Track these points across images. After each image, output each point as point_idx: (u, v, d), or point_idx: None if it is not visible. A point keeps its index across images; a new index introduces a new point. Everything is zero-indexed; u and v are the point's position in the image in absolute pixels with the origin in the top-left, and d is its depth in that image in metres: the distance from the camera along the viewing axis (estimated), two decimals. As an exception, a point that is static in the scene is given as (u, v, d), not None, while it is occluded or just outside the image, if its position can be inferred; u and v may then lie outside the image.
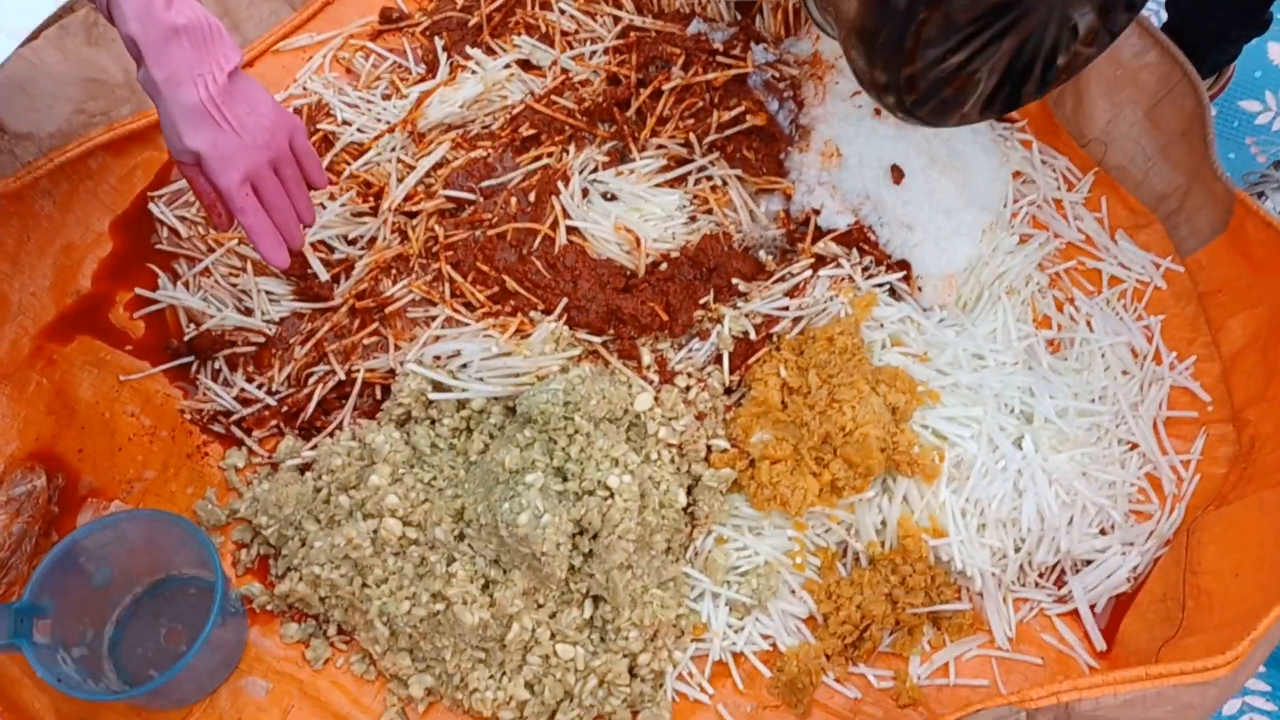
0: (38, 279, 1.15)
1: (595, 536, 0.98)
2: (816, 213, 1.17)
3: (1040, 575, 1.10)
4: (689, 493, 1.05)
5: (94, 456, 1.09)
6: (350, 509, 1.01)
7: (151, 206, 1.22)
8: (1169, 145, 1.27)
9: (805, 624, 1.05)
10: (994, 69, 0.97)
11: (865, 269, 1.14)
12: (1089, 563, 1.11)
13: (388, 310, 1.13)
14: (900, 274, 1.15)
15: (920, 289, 1.17)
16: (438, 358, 1.08)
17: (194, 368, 1.15)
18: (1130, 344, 1.22)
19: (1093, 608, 1.10)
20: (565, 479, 0.98)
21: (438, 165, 1.20)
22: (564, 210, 1.13)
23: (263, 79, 1.32)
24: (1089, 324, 1.23)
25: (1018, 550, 1.06)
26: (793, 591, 1.05)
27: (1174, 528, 1.12)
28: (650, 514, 0.99)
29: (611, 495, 0.97)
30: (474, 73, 1.25)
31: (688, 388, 1.07)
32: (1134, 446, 1.17)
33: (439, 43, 1.30)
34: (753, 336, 1.08)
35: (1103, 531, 1.12)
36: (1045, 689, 0.88)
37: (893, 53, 0.92)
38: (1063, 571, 1.11)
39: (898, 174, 1.15)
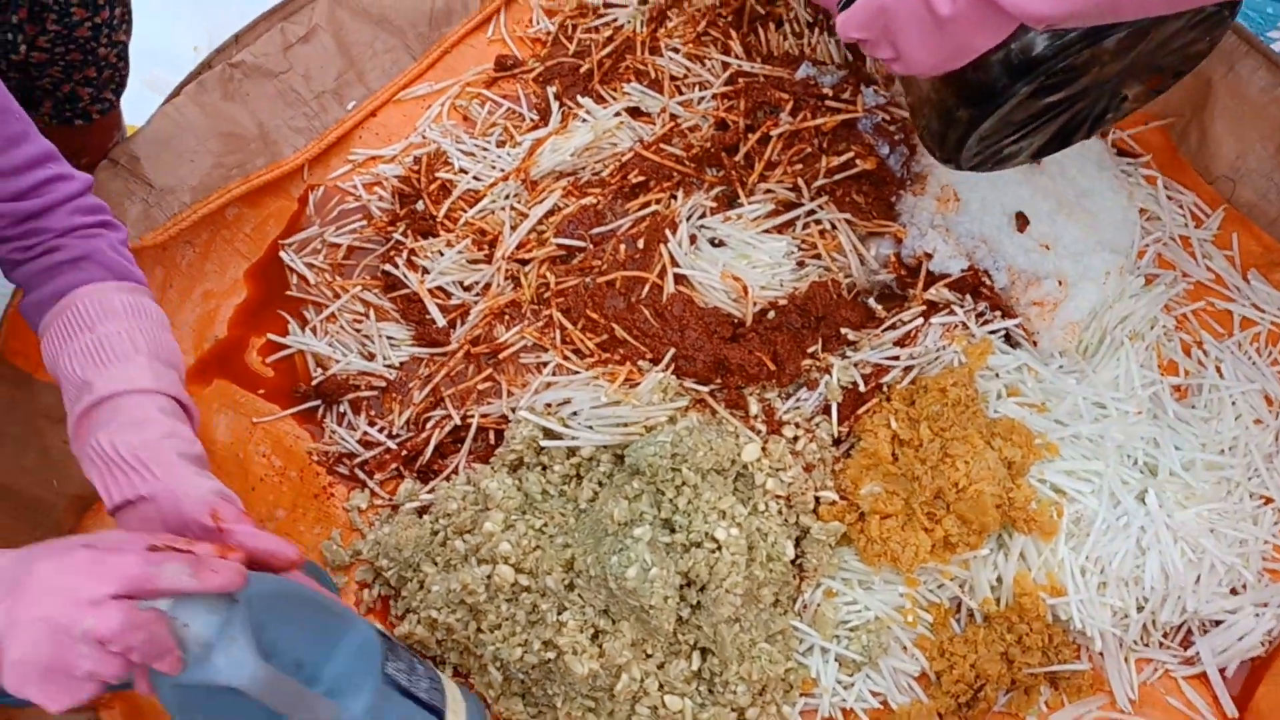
0: (180, 325, 1.22)
1: (703, 589, 0.99)
2: (929, 256, 1.15)
3: (1165, 635, 1.06)
4: (797, 545, 1.05)
5: (229, 495, 1.16)
6: (465, 553, 1.04)
7: (282, 254, 1.28)
8: (1305, 181, 1.21)
9: (917, 682, 1.03)
10: (1044, 135, 1.02)
11: (980, 315, 1.12)
12: (1218, 623, 1.06)
13: (501, 356, 1.16)
14: (1017, 320, 1.12)
15: (1038, 336, 1.14)
16: (549, 405, 1.10)
17: (320, 411, 1.20)
18: (1264, 390, 1.17)
19: (1223, 671, 1.05)
20: (673, 530, 0.99)
21: (549, 213, 1.23)
22: (672, 258, 1.14)
23: (385, 128, 1.38)
24: (1218, 369, 1.18)
25: (1140, 610, 1.03)
26: (904, 648, 1.04)
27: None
28: (758, 567, 0.99)
29: (719, 548, 0.97)
30: (585, 121, 1.27)
31: (795, 438, 1.07)
32: (1268, 501, 1.11)
33: (550, 91, 1.33)
34: (862, 387, 1.07)
35: (1233, 591, 1.07)
36: None
37: (954, 149, 0.99)
38: (1189, 632, 1.07)
39: (1023, 221, 1.12)
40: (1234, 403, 1.15)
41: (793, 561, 1.03)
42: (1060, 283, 1.13)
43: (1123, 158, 1.28)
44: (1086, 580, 1.02)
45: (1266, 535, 1.08)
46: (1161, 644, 1.05)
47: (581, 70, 1.35)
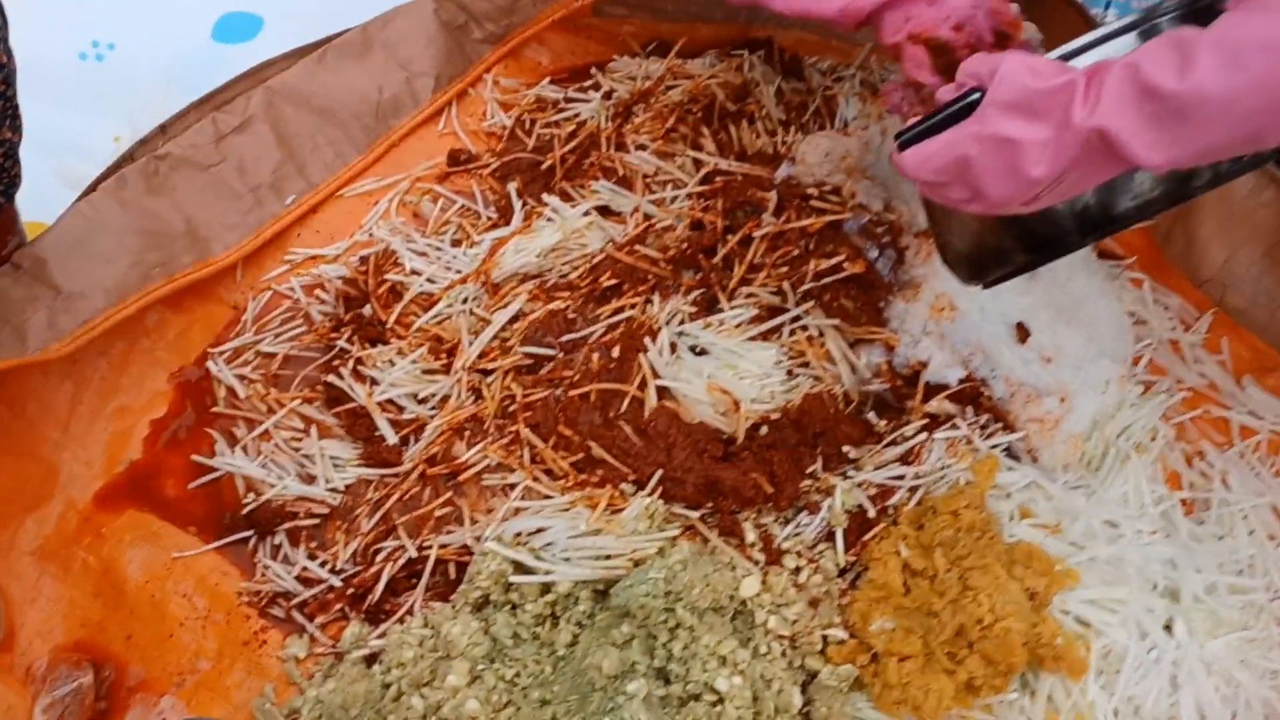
0: (90, 446, 1.08)
1: (704, 749, 0.86)
2: (924, 365, 1.08)
3: (1200, 779, 0.97)
4: (803, 691, 0.93)
5: (143, 644, 1.00)
6: (424, 713, 0.90)
7: (210, 365, 1.15)
8: (1294, 285, 1.18)
9: (943, 846, 0.92)
10: None
11: (984, 428, 1.04)
12: (1255, 762, 0.98)
13: (462, 478, 1.04)
14: (1021, 434, 1.05)
15: (1039, 452, 1.06)
16: (519, 534, 0.98)
17: (252, 544, 1.06)
18: (1274, 505, 1.11)
19: (1261, 817, 0.96)
20: (668, 681, 0.87)
21: (514, 318, 1.12)
22: (653, 369, 1.04)
23: (327, 225, 1.27)
24: (1224, 482, 1.12)
25: None
26: (927, 807, 0.92)
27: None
28: (764, 720, 0.87)
29: (720, 700, 0.86)
30: (551, 220, 1.18)
31: (798, 569, 0.96)
32: (1290, 624, 1.04)
33: (512, 187, 1.24)
34: (870, 511, 0.98)
35: (1266, 726, 0.99)
36: None
37: (989, 280, 0.94)
38: (1223, 774, 0.98)
39: (1023, 333, 1.06)
40: (1245, 517, 1.09)
41: (799, 712, 0.92)
42: (1063, 399, 1.06)
43: (1106, 260, 1.24)
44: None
45: (1295, 664, 1.01)
46: (1196, 788, 0.96)
47: (543, 167, 1.27)
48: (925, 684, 0.89)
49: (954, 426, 1.04)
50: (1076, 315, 1.10)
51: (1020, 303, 1.08)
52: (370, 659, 0.98)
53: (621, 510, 0.96)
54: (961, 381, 1.06)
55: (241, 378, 1.14)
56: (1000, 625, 0.88)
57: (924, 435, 1.02)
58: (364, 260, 1.21)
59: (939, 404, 1.04)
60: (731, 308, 1.11)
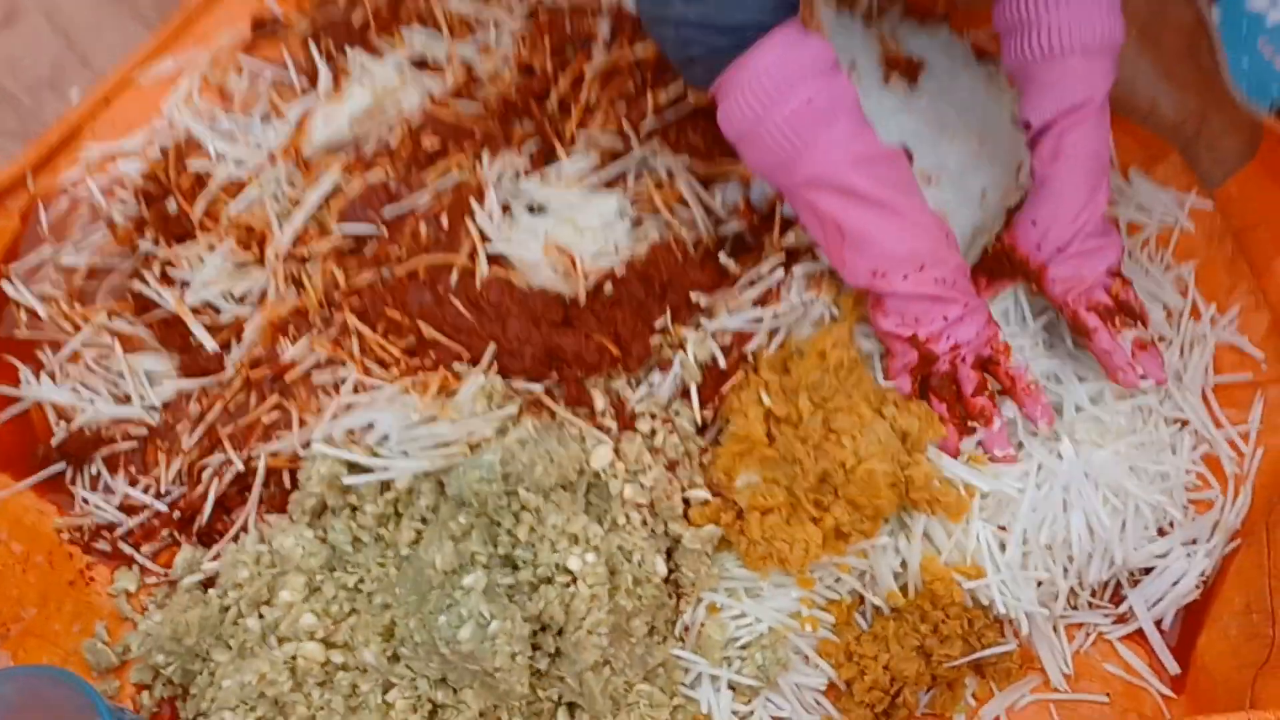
0: None
1: (560, 633, 0.80)
2: (782, 199, 0.98)
3: (1094, 594, 0.93)
4: (668, 558, 0.87)
5: (-41, 598, 0.91)
6: (262, 633, 0.83)
7: (5, 285, 1.03)
8: (1173, 66, 1.09)
9: (826, 696, 0.88)
10: None
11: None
12: (1149, 571, 0.94)
13: (288, 378, 0.95)
14: (889, 259, 0.97)
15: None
16: (351, 432, 0.90)
17: (68, 476, 0.96)
18: (1163, 302, 1.05)
19: (1159, 624, 0.93)
20: (515, 568, 0.81)
21: (329, 196, 1.01)
22: (482, 234, 0.94)
23: (123, 117, 1.13)
24: (1113, 286, 1.05)
25: (1066, 573, 0.90)
26: (806, 659, 0.88)
27: (1242, 516, 0.95)
28: (624, 595, 0.81)
29: (574, 581, 0.79)
30: (360, 83, 1.05)
31: (653, 432, 0.89)
32: (1184, 424, 1.00)
33: (314, 49, 1.10)
34: (721, 363, 0.90)
35: (1160, 532, 0.95)
36: None
37: None
38: (1119, 586, 0.94)
39: (906, 156, 0.97)
40: (1134, 320, 1.02)
41: (666, 579, 0.86)
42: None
43: (984, 59, 1.14)
44: (1006, 557, 0.87)
45: (1187, 464, 0.96)
46: (1091, 604, 0.93)
47: (357, 24, 1.13)
48: (790, 535, 0.84)
49: (814, 258, 0.95)
50: (962, 126, 1.01)
51: (904, 122, 0.98)
52: (207, 584, 0.91)
53: (456, 392, 0.88)
54: (825, 210, 0.97)
55: (42, 296, 1.03)
56: (863, 467, 0.82)
57: (781, 273, 0.94)
58: (164, 151, 1.09)
59: (798, 235, 0.96)
60: (570, 157, 1.01)
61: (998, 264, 0.96)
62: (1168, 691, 0.90)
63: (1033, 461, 0.90)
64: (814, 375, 0.88)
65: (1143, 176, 1.11)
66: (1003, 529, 0.88)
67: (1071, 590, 0.92)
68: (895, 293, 0.86)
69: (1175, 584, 0.93)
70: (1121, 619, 0.93)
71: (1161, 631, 0.93)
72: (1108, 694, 0.90)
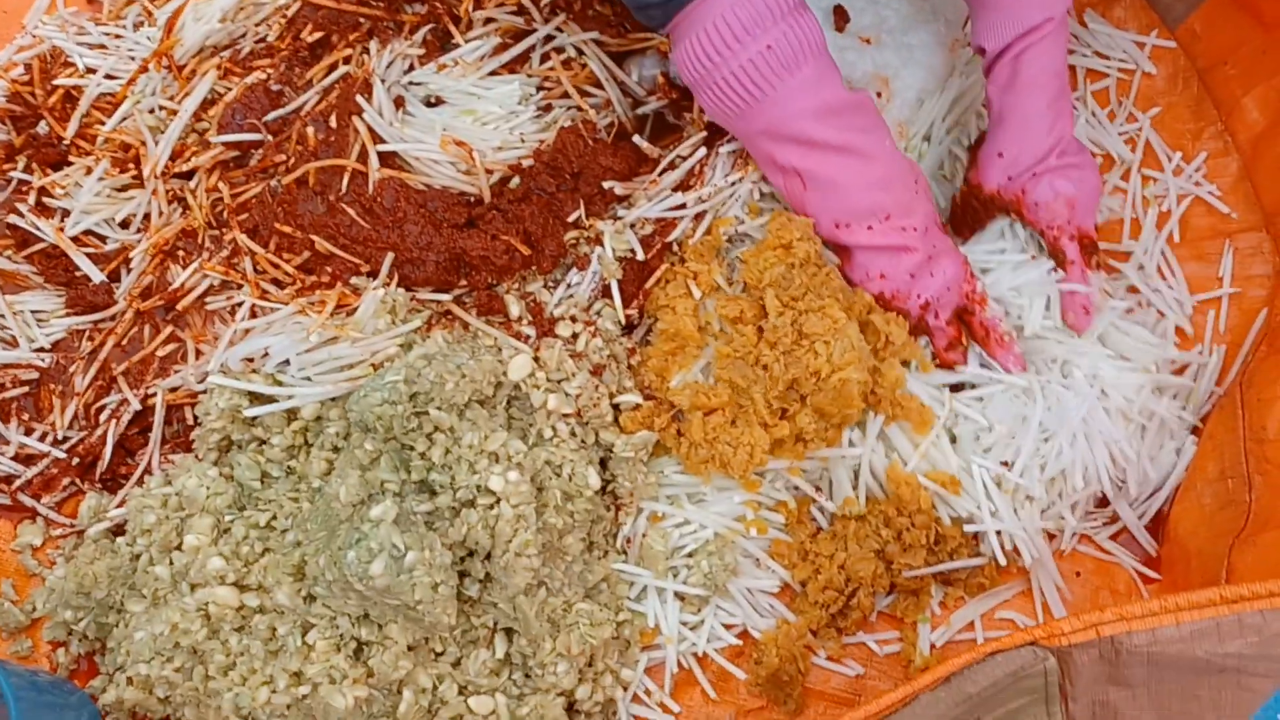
0: None
1: (488, 558, 0.75)
2: (705, 68, 0.90)
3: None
4: (603, 468, 0.82)
5: None
6: (173, 580, 0.78)
7: None
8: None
9: (779, 599, 0.83)
10: None
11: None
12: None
13: (181, 306, 0.87)
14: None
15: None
16: (249, 360, 0.83)
17: (-43, 429, 0.90)
18: (1118, 155, 0.97)
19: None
20: (433, 493, 0.75)
21: (206, 103, 0.92)
22: (371, 132, 0.86)
23: (-21, 34, 1.02)
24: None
25: (1075, 509, 0.84)
26: (757, 562, 0.83)
27: (1214, 377, 0.90)
28: (553, 512, 0.76)
29: (497, 502, 0.74)
30: (230, -30, 0.95)
31: (574, 336, 0.82)
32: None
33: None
34: (640, 255, 0.83)
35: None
36: (1080, 619, 0.66)
37: None
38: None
39: (841, 17, 0.88)
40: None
41: (601, 491, 0.80)
42: (881, 90, 0.89)
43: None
44: (989, 470, 0.80)
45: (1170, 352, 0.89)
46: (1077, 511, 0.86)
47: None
48: (735, 438, 0.78)
49: (740, 134, 0.87)
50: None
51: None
52: (117, 531, 0.85)
53: (355, 309, 0.81)
54: (752, 79, 0.88)
55: (-86, 235, 0.95)
56: (838, 377, 0.75)
57: (704, 151, 0.85)
58: (28, 68, 0.99)
59: None
60: (467, 40, 0.91)
61: (967, 208, 0.88)
62: (1140, 566, 0.86)
63: (1036, 401, 0.83)
64: (777, 270, 0.80)
65: (1098, 19, 1.03)
66: (1006, 464, 0.81)
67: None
68: (859, 245, 0.80)
69: (1170, 474, 0.87)
70: (1112, 520, 0.88)
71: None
72: (1078, 570, 0.86)
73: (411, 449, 0.75)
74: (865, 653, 0.83)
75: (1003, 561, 0.81)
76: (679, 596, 0.82)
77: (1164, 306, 0.90)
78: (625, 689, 0.81)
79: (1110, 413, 0.83)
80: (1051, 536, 0.85)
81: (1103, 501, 0.86)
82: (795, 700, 0.81)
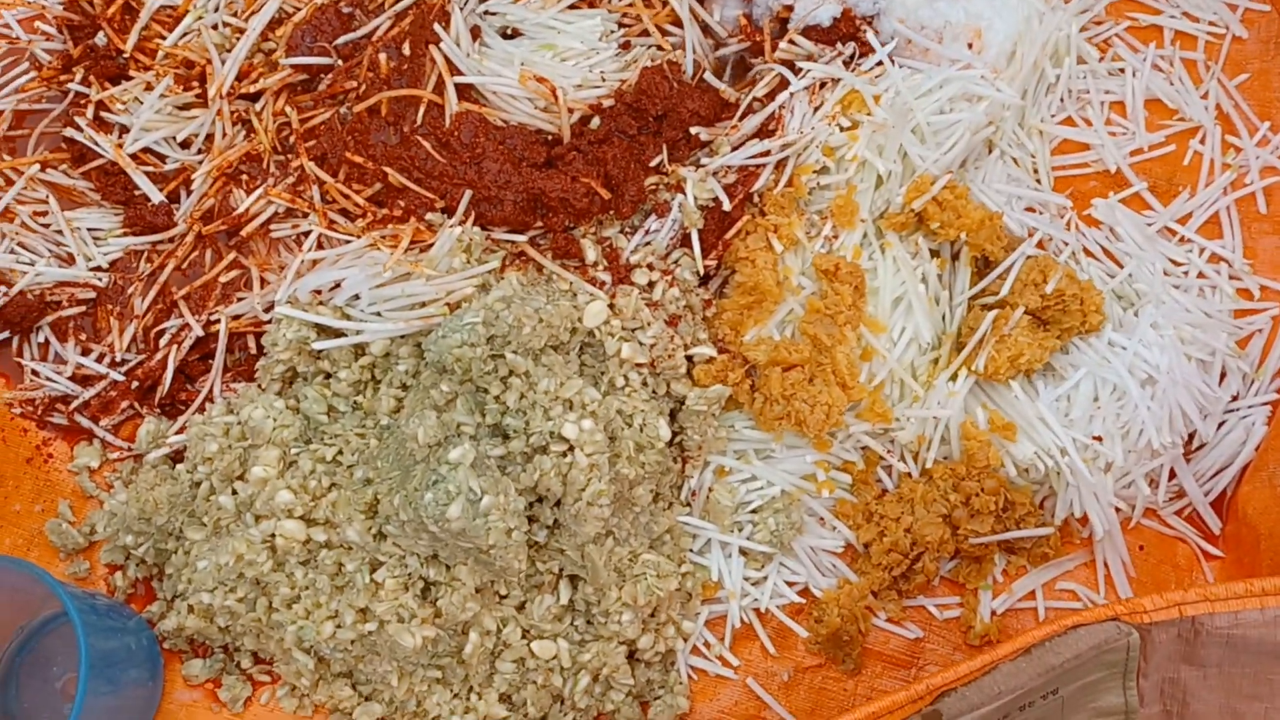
0: None
1: (558, 505, 0.75)
2: (789, 9, 0.87)
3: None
4: (672, 420, 0.81)
5: (-88, 482, 0.85)
6: (236, 510, 0.78)
7: (-82, 136, 0.92)
8: None
9: (842, 558, 0.83)
10: None
11: (849, 62, 0.85)
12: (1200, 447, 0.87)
13: (245, 232, 0.85)
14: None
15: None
16: (317, 292, 0.81)
17: (14, 346, 0.88)
18: (1203, 125, 0.94)
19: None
20: (506, 437, 0.74)
21: (274, 23, 0.89)
22: (449, 64, 0.83)
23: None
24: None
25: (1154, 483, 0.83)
26: (822, 521, 0.82)
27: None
28: (625, 463, 0.75)
29: (570, 449, 0.73)
30: (301, -117, 0.91)
31: (651, 284, 0.81)
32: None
33: None
34: (726, 204, 0.81)
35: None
36: (1164, 598, 0.66)
37: None
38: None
39: None
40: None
41: (670, 443, 0.80)
42: (973, 41, 0.86)
43: None
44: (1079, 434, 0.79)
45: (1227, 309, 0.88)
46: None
47: None
48: (812, 396, 0.76)
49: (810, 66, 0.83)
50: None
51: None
52: (175, 458, 0.84)
53: (430, 246, 0.79)
54: (835, 20, 0.85)
55: (-34, 150, 0.92)
56: None
57: (785, 95, 0.82)
58: (89, -25, 0.95)
59: (787, 47, 0.84)
60: (546, -30, 0.88)
61: None
62: (1205, 545, 0.85)
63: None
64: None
65: (1190, -26, 0.99)
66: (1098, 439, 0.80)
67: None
68: None
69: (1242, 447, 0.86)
70: (1178, 494, 0.87)
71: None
72: (1141, 544, 0.86)
73: (486, 392, 0.74)
74: (925, 616, 0.83)
75: (1078, 513, 0.80)
76: (742, 552, 0.82)
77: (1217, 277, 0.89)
78: (685, 640, 0.81)
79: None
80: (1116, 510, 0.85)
81: (1170, 475, 0.85)
82: (854, 660, 0.81)
